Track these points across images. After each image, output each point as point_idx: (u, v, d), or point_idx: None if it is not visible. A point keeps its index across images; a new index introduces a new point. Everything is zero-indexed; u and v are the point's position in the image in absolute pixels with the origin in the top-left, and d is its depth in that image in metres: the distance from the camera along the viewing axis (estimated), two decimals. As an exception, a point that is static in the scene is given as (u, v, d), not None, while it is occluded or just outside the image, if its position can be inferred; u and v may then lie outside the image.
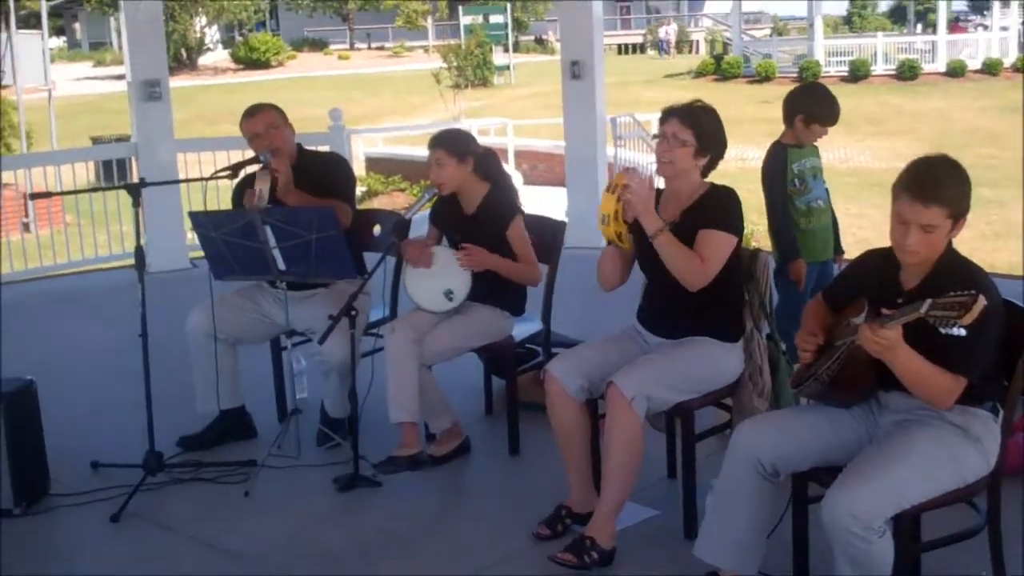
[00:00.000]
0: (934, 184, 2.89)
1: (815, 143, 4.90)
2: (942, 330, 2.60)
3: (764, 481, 3.12)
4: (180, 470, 4.46)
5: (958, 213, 2.90)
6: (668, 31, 50.70)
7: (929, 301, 2.62)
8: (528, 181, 16.20)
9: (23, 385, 4.25)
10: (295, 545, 3.89)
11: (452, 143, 4.46)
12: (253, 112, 4.76)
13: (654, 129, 4.31)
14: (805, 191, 4.81)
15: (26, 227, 11.72)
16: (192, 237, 8.43)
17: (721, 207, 3.71)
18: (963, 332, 2.58)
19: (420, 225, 4.74)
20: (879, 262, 3.10)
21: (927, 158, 2.97)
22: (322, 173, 4.77)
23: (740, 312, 3.87)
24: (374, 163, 17.92)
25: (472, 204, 4.54)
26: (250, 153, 4.76)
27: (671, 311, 3.81)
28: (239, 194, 4.79)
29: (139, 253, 4.33)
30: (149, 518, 4.11)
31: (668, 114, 3.75)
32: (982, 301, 2.54)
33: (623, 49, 53.09)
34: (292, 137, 4.80)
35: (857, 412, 3.13)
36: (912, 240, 2.90)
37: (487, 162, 4.56)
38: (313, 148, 5.20)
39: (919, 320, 2.65)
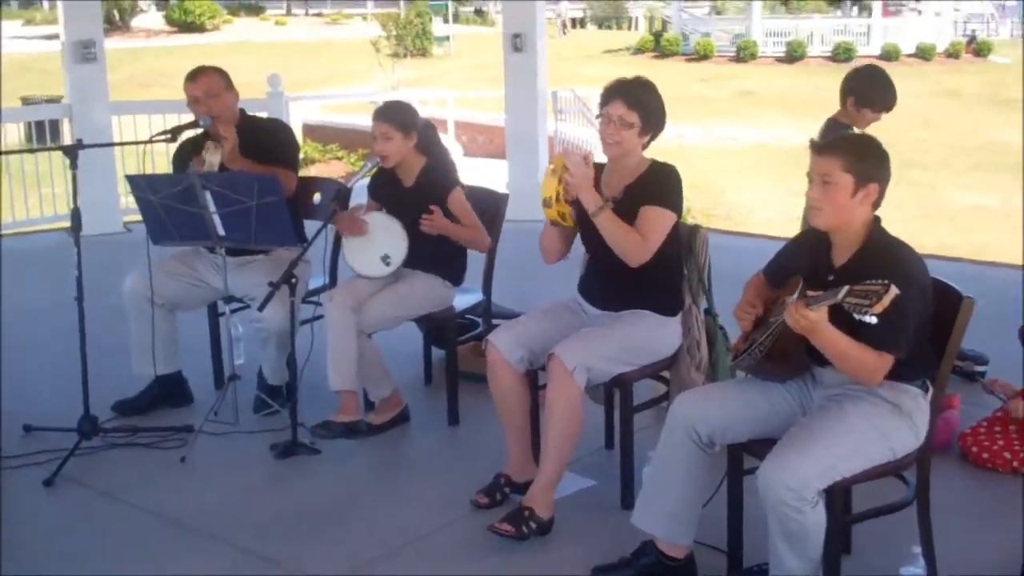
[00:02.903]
0: (833, 141, 3.12)
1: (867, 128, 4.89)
2: (856, 316, 2.67)
3: (700, 451, 3.17)
4: (116, 435, 4.42)
5: (860, 173, 2.95)
6: (559, 8, 48.82)
7: (847, 288, 2.68)
8: (468, 153, 16.18)
9: (-45, 347, 4.18)
10: (233, 511, 3.88)
11: (399, 116, 4.44)
12: (195, 76, 4.69)
13: (594, 104, 4.30)
14: None
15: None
16: (126, 201, 8.33)
17: (662, 184, 3.75)
18: (874, 320, 2.64)
19: (360, 193, 4.73)
20: (814, 241, 3.16)
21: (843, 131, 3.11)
22: (265, 139, 4.72)
23: (679, 286, 3.93)
24: (311, 131, 17.75)
25: (410, 177, 4.53)
26: (188, 117, 4.70)
27: (611, 284, 3.84)
28: (180, 159, 4.73)
29: (75, 215, 4.24)
30: (84, 483, 4.08)
31: (611, 95, 3.74)
32: (893, 291, 2.60)
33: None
34: (235, 102, 4.75)
35: (792, 387, 3.19)
36: (814, 192, 3.01)
37: (426, 135, 4.55)
38: (255, 114, 5.14)
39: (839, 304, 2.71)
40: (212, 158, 4.52)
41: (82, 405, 4.25)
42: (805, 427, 2.99)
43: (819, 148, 3.06)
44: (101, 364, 4.40)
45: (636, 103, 3.71)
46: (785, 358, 3.09)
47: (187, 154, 4.72)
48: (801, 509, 2.83)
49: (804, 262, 3.14)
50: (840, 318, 2.80)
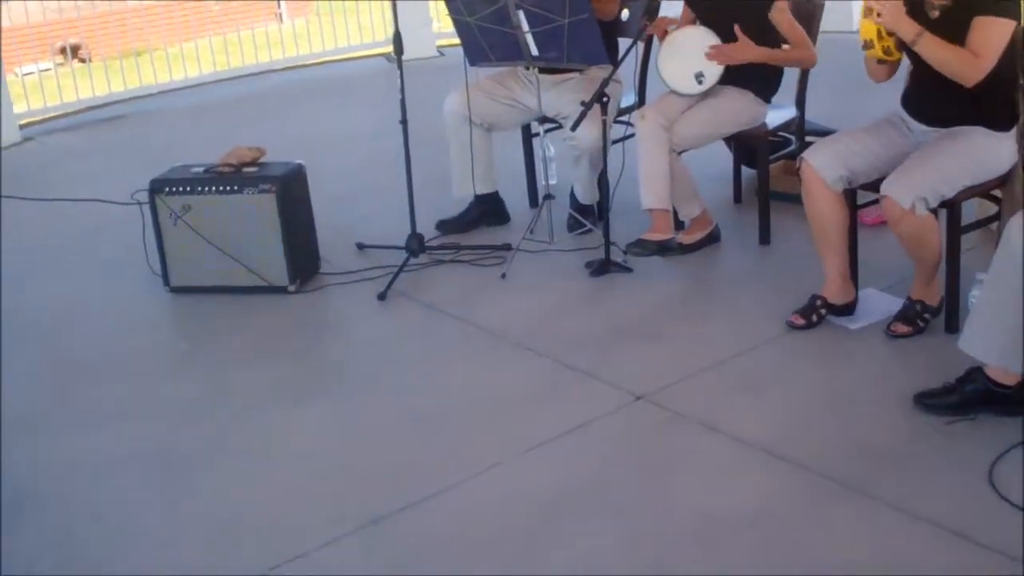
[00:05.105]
0: None
1: None
2: None
3: (1037, 275, 2.99)
4: (440, 252, 4.66)
5: None
6: None
7: None
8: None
9: (294, 169, 4.47)
10: (549, 325, 4.03)
11: None
12: None
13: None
14: None
15: (279, 18, 12.15)
16: (439, 26, 8.54)
17: None
18: None
19: (669, 10, 4.62)
20: None
21: None
22: None
23: (1014, 99, 3.64)
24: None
25: None
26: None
27: (939, 98, 3.61)
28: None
29: (397, 39, 4.38)
30: (413, 296, 4.34)
31: None
32: None
33: None
34: None
35: None
36: None
37: None
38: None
39: None
40: None
41: (409, 224, 4.49)
42: None
43: None
44: (423, 186, 4.61)
45: None
46: None
47: None
48: None
49: None
50: None
